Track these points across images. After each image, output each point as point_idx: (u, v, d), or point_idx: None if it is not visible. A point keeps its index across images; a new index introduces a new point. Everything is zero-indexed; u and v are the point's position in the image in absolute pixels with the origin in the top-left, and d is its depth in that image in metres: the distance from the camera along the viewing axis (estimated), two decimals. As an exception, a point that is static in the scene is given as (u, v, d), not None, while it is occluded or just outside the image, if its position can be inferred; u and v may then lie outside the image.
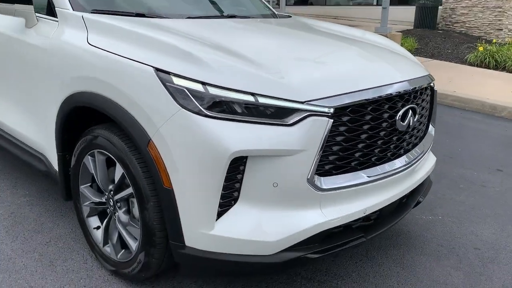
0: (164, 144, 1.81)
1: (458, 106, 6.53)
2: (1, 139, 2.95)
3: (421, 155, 2.35)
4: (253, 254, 1.85)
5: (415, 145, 2.35)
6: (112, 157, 2.09)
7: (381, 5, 10.31)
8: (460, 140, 4.89)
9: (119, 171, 2.08)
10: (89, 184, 2.38)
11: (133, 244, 2.14)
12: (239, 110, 1.76)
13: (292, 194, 1.82)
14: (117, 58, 1.98)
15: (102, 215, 2.40)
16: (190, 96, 1.77)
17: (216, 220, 1.82)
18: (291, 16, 3.51)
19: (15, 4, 2.60)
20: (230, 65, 1.85)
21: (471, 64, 8.79)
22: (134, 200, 2.10)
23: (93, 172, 2.26)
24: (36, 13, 2.48)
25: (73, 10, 2.36)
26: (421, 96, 2.29)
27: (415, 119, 2.19)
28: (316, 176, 1.84)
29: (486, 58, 8.62)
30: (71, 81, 2.20)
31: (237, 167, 1.77)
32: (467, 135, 5.12)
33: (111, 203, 2.23)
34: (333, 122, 1.81)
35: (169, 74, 1.82)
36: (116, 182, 2.13)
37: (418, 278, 2.42)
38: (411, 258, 2.60)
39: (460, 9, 12.54)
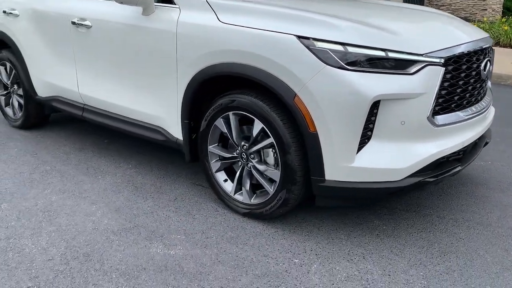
0: (310, 96, 2.25)
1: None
2: (118, 121, 3.33)
3: (490, 102, 2.85)
4: (384, 181, 2.31)
5: (485, 93, 2.84)
6: (251, 115, 2.51)
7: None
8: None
9: (257, 126, 2.51)
10: (217, 143, 2.80)
11: (270, 186, 2.57)
12: (373, 64, 2.21)
13: (415, 130, 2.29)
14: (257, 31, 2.40)
15: (229, 169, 2.83)
16: (333, 55, 2.21)
17: (356, 154, 2.28)
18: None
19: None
20: (360, 28, 2.30)
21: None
22: (269, 150, 2.54)
23: (226, 131, 2.68)
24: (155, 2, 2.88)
25: (192, -5, 2.77)
26: (490, 53, 2.78)
27: (490, 69, 2.68)
28: (432, 115, 2.31)
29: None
30: (204, 56, 2.61)
31: (371, 110, 2.23)
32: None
33: (244, 156, 2.66)
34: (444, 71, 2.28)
35: (311, 40, 2.26)
36: (254, 136, 2.55)
37: (492, 205, 2.92)
38: (479, 192, 3.10)
39: (446, -9, 13.18)
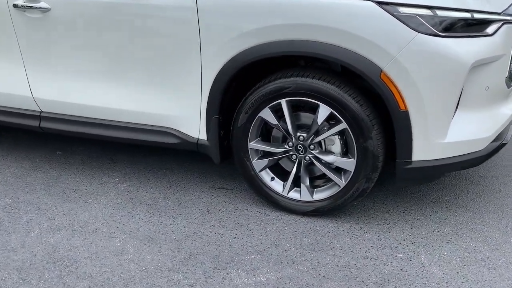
0: (401, 70, 1.97)
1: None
2: (103, 128, 2.64)
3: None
4: (470, 152, 2.17)
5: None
6: (314, 100, 2.15)
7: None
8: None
9: (323, 112, 2.16)
10: (259, 138, 2.38)
11: (340, 177, 2.26)
12: (461, 28, 2.01)
13: (497, 94, 2.17)
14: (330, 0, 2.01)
15: (275, 167, 2.43)
16: (423, 21, 1.95)
17: (448, 129, 2.09)
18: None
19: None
20: None
21: None
22: (334, 137, 2.23)
23: (275, 123, 2.27)
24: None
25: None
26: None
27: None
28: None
29: None
30: (246, 35, 2.14)
31: (461, 78, 2.04)
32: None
33: (301, 149, 2.29)
34: (516, 28, 2.17)
35: (393, 5, 1.96)
36: (319, 125, 2.19)
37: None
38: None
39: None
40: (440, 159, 2.13)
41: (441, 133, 2.08)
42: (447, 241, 2.19)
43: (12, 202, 2.61)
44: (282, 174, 2.43)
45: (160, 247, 2.19)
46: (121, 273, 2.02)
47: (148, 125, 2.56)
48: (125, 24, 2.37)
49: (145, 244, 2.21)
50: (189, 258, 2.11)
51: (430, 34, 1.95)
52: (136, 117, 2.55)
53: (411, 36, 1.94)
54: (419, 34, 1.94)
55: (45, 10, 2.48)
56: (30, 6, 2.49)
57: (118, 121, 2.62)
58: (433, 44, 1.95)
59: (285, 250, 2.15)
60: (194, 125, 2.45)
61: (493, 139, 2.20)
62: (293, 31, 2.07)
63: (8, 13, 2.58)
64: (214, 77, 2.27)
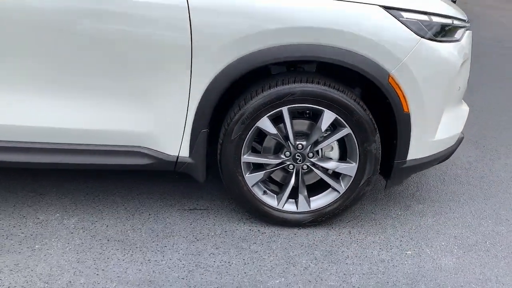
0: (406, 74, 2.03)
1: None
2: (54, 153, 2.09)
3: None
4: (450, 146, 2.36)
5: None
6: (318, 106, 2.07)
7: None
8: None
9: (328, 118, 2.09)
10: (250, 151, 2.19)
11: (339, 183, 2.23)
12: (447, 33, 2.16)
13: (462, 93, 2.40)
14: (331, 2, 1.95)
15: (266, 180, 2.27)
16: (423, 26, 2.04)
17: (438, 127, 2.23)
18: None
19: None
20: None
21: None
22: (335, 142, 2.20)
23: (275, 133, 2.12)
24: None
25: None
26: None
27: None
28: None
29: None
30: (245, 39, 1.94)
31: (444, 80, 2.21)
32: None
33: (299, 157, 2.18)
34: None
35: (396, 10, 2.00)
36: (323, 131, 2.12)
37: None
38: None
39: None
40: (427, 156, 2.26)
41: (433, 132, 2.21)
42: (437, 232, 2.34)
43: None
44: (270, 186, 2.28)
45: (169, 289, 1.85)
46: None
47: (109, 145, 2.13)
48: (86, 24, 1.92)
49: (148, 290, 1.84)
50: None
51: (428, 39, 2.04)
52: (93, 137, 2.10)
53: (416, 40, 2.01)
54: (422, 39, 2.02)
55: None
56: None
57: (66, 143, 2.12)
58: (433, 48, 2.06)
59: (305, 268, 2.03)
60: (173, 141, 2.12)
61: (460, 133, 2.43)
62: (300, 35, 1.95)
63: None
64: (205, 88, 2.01)
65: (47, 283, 1.85)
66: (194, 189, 2.55)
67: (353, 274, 2.00)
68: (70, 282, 1.86)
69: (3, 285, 1.82)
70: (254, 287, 1.89)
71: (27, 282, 1.84)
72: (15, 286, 1.82)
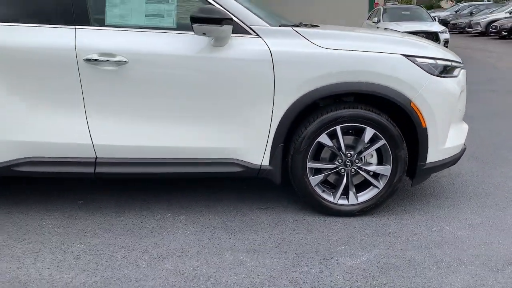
0: (422, 100, 2.90)
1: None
2: (183, 165, 2.96)
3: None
4: (456, 153, 3.21)
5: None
6: (362, 125, 2.93)
7: None
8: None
9: (369, 133, 2.95)
10: (313, 159, 3.03)
11: (378, 182, 3.06)
12: (447, 71, 3.06)
13: (462, 114, 3.29)
14: (367, 53, 2.86)
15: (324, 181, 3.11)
16: (432, 67, 2.94)
17: (447, 138, 3.10)
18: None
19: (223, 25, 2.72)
20: (436, 47, 3.09)
21: None
22: (373, 152, 3.04)
23: (331, 145, 2.97)
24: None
25: (271, 26, 2.89)
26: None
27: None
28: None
29: None
30: (311, 80, 2.82)
31: (452, 104, 3.10)
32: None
33: (348, 163, 3.02)
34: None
35: (413, 57, 2.92)
36: (366, 143, 2.97)
37: None
38: None
39: None
40: (441, 160, 3.11)
41: (444, 141, 3.07)
42: (452, 217, 3.14)
43: (84, 248, 2.69)
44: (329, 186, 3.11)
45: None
46: None
47: (213, 159, 2.97)
48: (199, 75, 2.83)
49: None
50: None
51: (436, 76, 2.94)
52: (205, 153, 2.95)
53: (428, 77, 2.91)
54: (432, 76, 2.92)
55: (120, 64, 2.76)
56: (105, 61, 2.74)
57: (183, 158, 2.97)
58: (439, 82, 2.95)
59: (360, 240, 2.81)
60: (258, 154, 2.97)
61: (463, 144, 3.29)
62: (349, 75, 2.85)
63: (75, 67, 2.76)
64: (283, 114, 2.88)
65: (183, 252, 2.64)
66: (260, 194, 3.37)
67: (395, 243, 2.79)
68: (198, 252, 2.65)
69: (152, 255, 2.61)
70: (328, 249, 2.68)
71: (168, 253, 2.63)
72: (160, 257, 2.60)
